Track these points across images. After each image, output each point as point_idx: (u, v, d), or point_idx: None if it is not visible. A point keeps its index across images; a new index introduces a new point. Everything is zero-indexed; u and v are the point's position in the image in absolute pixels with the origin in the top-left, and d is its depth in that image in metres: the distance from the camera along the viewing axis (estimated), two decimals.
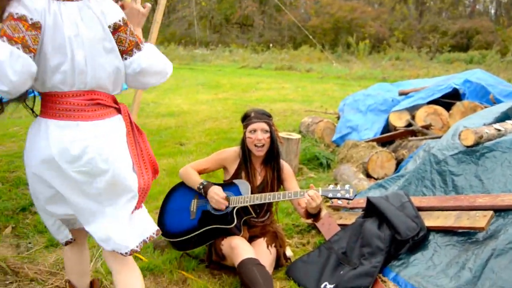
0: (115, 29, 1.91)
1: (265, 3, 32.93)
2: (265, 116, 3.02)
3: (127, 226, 1.96)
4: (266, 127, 2.98)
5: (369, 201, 3.21)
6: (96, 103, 1.94)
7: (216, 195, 2.92)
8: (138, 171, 2.00)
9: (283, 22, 30.65)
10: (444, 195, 3.30)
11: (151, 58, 2.01)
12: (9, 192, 4.26)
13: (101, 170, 1.87)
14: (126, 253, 1.96)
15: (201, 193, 3.02)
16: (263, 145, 3.00)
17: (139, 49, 1.97)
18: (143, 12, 2.10)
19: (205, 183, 3.02)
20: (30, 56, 1.72)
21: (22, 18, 1.72)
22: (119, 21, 1.92)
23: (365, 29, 28.08)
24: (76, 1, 1.85)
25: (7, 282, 2.76)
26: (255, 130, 2.98)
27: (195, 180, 3.08)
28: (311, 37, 10.70)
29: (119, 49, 1.93)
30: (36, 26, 1.74)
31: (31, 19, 1.73)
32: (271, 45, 27.30)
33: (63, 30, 1.80)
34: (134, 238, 1.98)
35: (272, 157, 3.07)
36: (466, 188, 3.20)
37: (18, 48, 1.68)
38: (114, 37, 1.91)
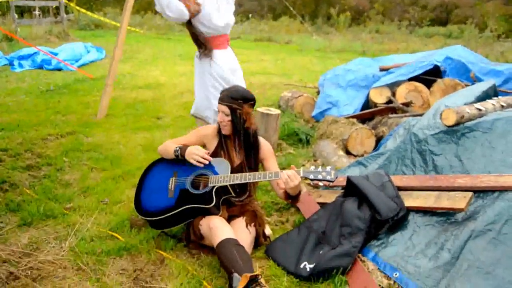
0: None
1: None
2: (229, 99, 2.96)
3: None
4: (226, 110, 2.97)
5: (349, 180, 3.19)
6: None
7: (197, 150, 2.94)
8: None
9: None
10: (424, 174, 3.30)
11: None
12: None
13: None
14: None
15: (178, 156, 3.01)
16: (226, 126, 3.01)
17: None
18: None
19: (181, 146, 3.03)
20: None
21: None
22: None
23: (345, 1, 27.77)
24: None
25: None
26: (218, 111, 3.01)
27: (171, 148, 3.06)
28: (291, 8, 10.53)
29: None
30: None
31: None
32: (250, 15, 26.83)
33: None
34: None
35: (244, 139, 3.03)
36: (446, 168, 3.20)
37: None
38: None
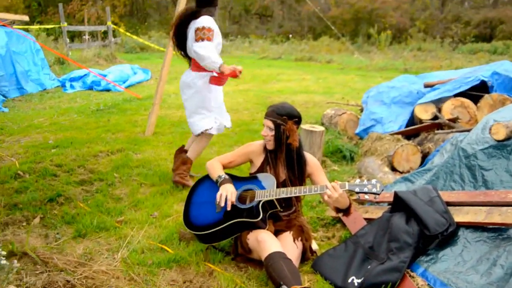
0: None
1: None
2: (275, 114, 3.02)
3: None
4: (271, 125, 3.03)
5: (396, 195, 3.17)
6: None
7: (229, 189, 2.96)
8: None
9: (302, 12, 30.33)
10: (474, 190, 3.24)
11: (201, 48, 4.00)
12: (36, 183, 4.33)
13: None
14: None
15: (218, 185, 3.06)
16: (269, 140, 3.07)
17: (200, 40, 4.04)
18: None
19: (222, 177, 3.06)
20: None
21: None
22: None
23: (385, 19, 27.62)
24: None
25: (37, 272, 2.81)
26: (264, 125, 3.07)
27: (216, 173, 3.11)
28: (332, 27, 10.60)
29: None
30: None
31: None
32: (290, 35, 27.08)
33: None
34: None
35: (286, 155, 3.08)
36: (497, 183, 3.14)
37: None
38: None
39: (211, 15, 4.22)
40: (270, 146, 3.10)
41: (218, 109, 4.44)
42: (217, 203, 3.07)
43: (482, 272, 2.58)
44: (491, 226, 2.83)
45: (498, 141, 3.26)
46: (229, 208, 2.94)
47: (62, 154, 5.22)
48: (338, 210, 2.97)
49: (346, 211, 2.96)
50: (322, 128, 4.94)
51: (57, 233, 3.42)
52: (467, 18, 27.49)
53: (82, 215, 3.70)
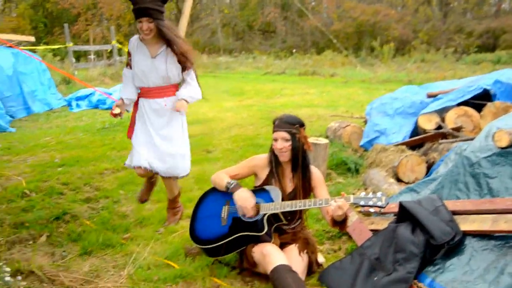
0: None
1: (287, 9, 32.95)
2: (287, 125, 3.01)
3: None
4: (286, 136, 2.99)
5: (401, 206, 3.16)
6: None
7: (248, 199, 2.94)
8: None
9: (305, 27, 30.58)
10: (479, 198, 3.22)
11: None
12: (43, 202, 4.36)
13: None
14: None
15: (228, 190, 3.04)
16: (286, 152, 3.02)
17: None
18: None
19: (232, 183, 3.05)
20: None
21: None
22: None
23: (388, 32, 27.75)
24: None
25: None
26: (276, 139, 3.02)
27: (224, 180, 3.10)
28: (335, 41, 10.68)
29: None
30: None
31: None
32: (294, 50, 27.26)
33: None
34: None
35: (298, 165, 3.07)
36: (502, 191, 3.11)
37: None
38: None
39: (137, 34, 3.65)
40: (286, 157, 3.05)
41: None
42: (223, 216, 3.09)
43: (490, 281, 2.56)
44: (497, 234, 2.81)
45: (502, 148, 3.25)
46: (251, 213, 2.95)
47: (68, 172, 5.25)
48: (334, 223, 2.95)
49: (342, 224, 2.94)
50: (326, 141, 4.94)
51: (63, 251, 3.43)
52: (469, 28, 27.54)
53: (88, 233, 3.71)
